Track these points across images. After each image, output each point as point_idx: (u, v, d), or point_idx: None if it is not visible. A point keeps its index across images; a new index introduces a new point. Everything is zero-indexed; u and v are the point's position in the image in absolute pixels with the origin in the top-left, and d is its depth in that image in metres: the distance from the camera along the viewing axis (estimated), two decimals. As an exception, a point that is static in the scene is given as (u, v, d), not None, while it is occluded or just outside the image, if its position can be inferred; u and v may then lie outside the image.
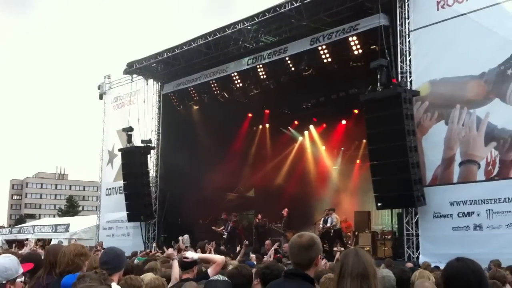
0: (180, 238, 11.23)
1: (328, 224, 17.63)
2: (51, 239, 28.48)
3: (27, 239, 21.77)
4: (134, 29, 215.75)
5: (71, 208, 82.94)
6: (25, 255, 6.01)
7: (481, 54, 12.98)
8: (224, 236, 20.49)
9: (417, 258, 13.31)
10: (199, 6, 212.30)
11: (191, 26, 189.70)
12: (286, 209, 20.81)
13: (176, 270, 6.01)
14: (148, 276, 5.56)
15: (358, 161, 23.77)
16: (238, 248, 13.11)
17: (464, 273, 3.17)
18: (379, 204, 14.47)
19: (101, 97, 25.15)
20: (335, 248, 16.00)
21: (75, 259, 4.50)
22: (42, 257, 5.21)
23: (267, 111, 25.07)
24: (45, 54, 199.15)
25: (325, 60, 17.45)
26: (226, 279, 4.63)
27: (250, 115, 25.03)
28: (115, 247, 4.94)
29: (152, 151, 21.99)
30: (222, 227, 21.30)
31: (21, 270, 3.73)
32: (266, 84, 19.94)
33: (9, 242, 29.24)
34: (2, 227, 49.67)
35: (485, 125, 12.75)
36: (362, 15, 15.78)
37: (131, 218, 21.53)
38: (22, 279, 3.71)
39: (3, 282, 3.56)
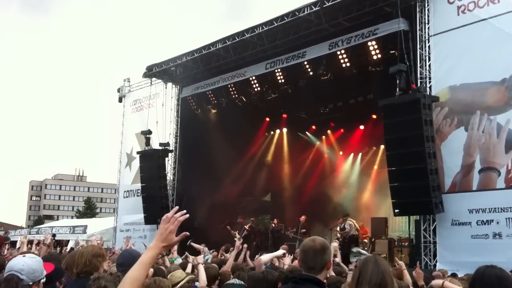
0: (202, 247, 11.14)
1: (346, 230, 17.69)
2: (68, 240, 28.78)
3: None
4: (155, 32, 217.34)
5: (89, 209, 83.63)
6: (46, 255, 6.06)
7: (502, 60, 12.82)
8: (236, 239, 20.42)
9: (434, 266, 13.15)
10: (219, 11, 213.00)
11: (211, 30, 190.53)
12: (304, 216, 20.79)
13: (202, 275, 5.97)
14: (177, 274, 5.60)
15: (375, 167, 23.63)
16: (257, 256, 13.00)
17: (488, 277, 3.25)
18: (396, 210, 14.34)
19: (120, 100, 25.36)
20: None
21: (93, 260, 4.52)
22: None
23: (284, 115, 25.04)
24: (66, 57, 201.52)
25: (343, 65, 17.41)
26: (242, 283, 4.63)
27: (267, 119, 25.05)
28: (132, 249, 4.97)
29: (170, 154, 22.09)
30: (238, 231, 21.31)
31: (45, 272, 3.76)
32: (284, 89, 19.95)
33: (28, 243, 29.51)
34: (21, 227, 50.26)
35: (506, 132, 12.56)
36: (382, 20, 15.71)
37: (148, 220, 21.63)
38: (44, 280, 3.74)
39: (30, 283, 3.59)
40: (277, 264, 7.67)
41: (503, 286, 3.27)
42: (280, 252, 6.55)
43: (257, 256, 12.58)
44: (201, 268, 6.07)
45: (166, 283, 4.60)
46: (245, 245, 7.36)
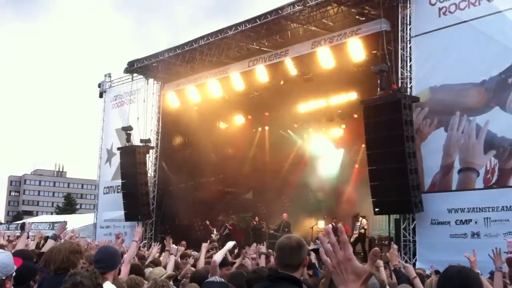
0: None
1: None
2: (47, 236, 28.45)
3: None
4: (135, 28, 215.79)
5: (69, 206, 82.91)
6: (16, 251, 5.98)
7: (482, 62, 12.98)
8: (212, 236, 20.40)
9: (414, 264, 13.24)
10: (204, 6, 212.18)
11: (195, 26, 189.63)
12: (285, 214, 20.87)
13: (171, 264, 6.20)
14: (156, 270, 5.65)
15: (356, 166, 23.76)
16: (236, 251, 12.98)
17: (455, 276, 3.33)
18: (376, 209, 14.47)
19: (101, 96, 25.12)
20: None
21: (70, 257, 4.48)
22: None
23: (266, 113, 25.04)
24: (46, 52, 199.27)
25: (326, 64, 17.44)
26: (223, 280, 4.63)
27: (250, 117, 25.03)
28: (109, 246, 4.94)
29: (151, 150, 21.96)
30: (219, 228, 21.32)
31: (15, 266, 3.73)
32: (267, 86, 19.95)
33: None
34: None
35: (485, 133, 12.73)
36: (364, 20, 15.80)
37: (128, 217, 21.49)
38: (14, 274, 3.72)
39: (3, 278, 3.57)
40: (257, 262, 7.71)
41: (468, 283, 3.36)
42: (230, 244, 6.74)
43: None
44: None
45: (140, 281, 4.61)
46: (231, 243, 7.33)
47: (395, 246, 7.52)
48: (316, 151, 25.33)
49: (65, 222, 7.28)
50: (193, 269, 6.99)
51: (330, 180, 24.55)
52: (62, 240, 6.92)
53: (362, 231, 18.62)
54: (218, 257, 5.93)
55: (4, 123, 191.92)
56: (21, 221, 39.93)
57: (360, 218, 18.81)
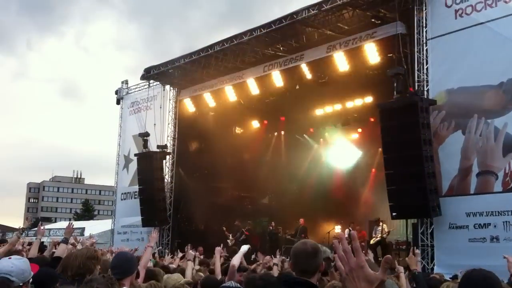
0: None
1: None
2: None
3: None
4: (152, 35, 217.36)
5: (87, 212, 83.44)
6: (35, 257, 6.03)
7: (499, 64, 12.82)
8: (228, 241, 20.44)
9: (432, 269, 13.14)
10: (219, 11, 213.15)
11: (211, 32, 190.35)
12: (302, 219, 20.84)
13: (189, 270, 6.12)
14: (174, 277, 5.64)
15: (373, 170, 23.61)
16: (253, 256, 12.96)
17: (475, 279, 3.28)
18: (394, 213, 14.31)
19: (118, 102, 25.31)
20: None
21: (87, 262, 4.51)
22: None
23: (282, 118, 25.04)
24: (63, 56, 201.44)
25: (341, 68, 17.39)
26: (238, 285, 4.62)
27: (265, 122, 25.05)
28: (126, 252, 4.97)
29: (167, 156, 22.07)
30: (233, 233, 21.32)
31: (32, 272, 3.76)
32: (282, 91, 19.95)
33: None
34: (18, 229, 50.04)
35: (503, 135, 12.56)
36: (380, 23, 15.74)
37: (145, 223, 21.57)
38: (30, 280, 3.75)
39: (20, 284, 3.59)
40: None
41: (489, 286, 3.30)
42: (245, 248, 6.73)
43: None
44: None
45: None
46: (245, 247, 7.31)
47: (417, 251, 7.43)
48: (333, 155, 25.25)
49: (72, 223, 7.32)
50: None
51: (347, 184, 24.45)
52: (79, 245, 6.95)
53: (385, 235, 18.42)
54: (236, 261, 5.89)
55: (23, 129, 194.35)
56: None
57: (381, 223, 18.64)
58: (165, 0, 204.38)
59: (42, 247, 8.26)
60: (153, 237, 6.83)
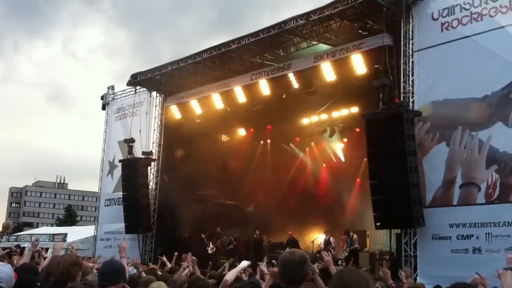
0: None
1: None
2: (48, 248, 28.36)
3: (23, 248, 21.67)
4: (139, 41, 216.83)
5: (70, 217, 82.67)
6: (21, 265, 5.99)
7: (484, 77, 12.98)
8: (208, 249, 20.42)
9: (415, 279, 13.16)
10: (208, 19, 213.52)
11: (200, 39, 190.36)
12: (291, 231, 21.07)
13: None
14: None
15: (358, 180, 23.72)
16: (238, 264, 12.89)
17: None
18: (377, 223, 14.38)
19: (104, 108, 25.21)
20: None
21: (70, 269, 4.47)
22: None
23: (269, 126, 25.09)
24: (51, 60, 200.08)
25: (328, 78, 17.48)
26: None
27: (252, 130, 25.07)
28: (116, 260, 4.94)
29: (152, 163, 21.98)
30: (212, 241, 21.32)
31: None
32: (269, 100, 19.99)
33: (5, 250, 29.04)
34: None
35: (487, 148, 12.69)
36: (367, 35, 15.87)
37: (129, 229, 21.43)
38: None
39: None
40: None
41: None
42: (245, 264, 6.08)
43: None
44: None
45: None
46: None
47: (407, 269, 7.44)
48: (318, 164, 25.33)
49: (37, 238, 7.35)
50: None
51: (332, 193, 24.52)
52: (50, 251, 6.97)
53: (357, 246, 18.54)
54: (230, 276, 5.62)
55: (6, 133, 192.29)
56: (21, 233, 39.78)
57: (351, 234, 18.72)
58: (155, 6, 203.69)
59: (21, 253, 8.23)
60: (122, 247, 6.53)
